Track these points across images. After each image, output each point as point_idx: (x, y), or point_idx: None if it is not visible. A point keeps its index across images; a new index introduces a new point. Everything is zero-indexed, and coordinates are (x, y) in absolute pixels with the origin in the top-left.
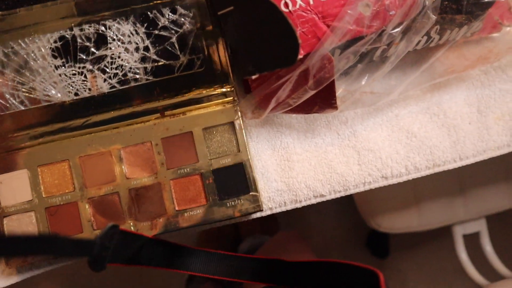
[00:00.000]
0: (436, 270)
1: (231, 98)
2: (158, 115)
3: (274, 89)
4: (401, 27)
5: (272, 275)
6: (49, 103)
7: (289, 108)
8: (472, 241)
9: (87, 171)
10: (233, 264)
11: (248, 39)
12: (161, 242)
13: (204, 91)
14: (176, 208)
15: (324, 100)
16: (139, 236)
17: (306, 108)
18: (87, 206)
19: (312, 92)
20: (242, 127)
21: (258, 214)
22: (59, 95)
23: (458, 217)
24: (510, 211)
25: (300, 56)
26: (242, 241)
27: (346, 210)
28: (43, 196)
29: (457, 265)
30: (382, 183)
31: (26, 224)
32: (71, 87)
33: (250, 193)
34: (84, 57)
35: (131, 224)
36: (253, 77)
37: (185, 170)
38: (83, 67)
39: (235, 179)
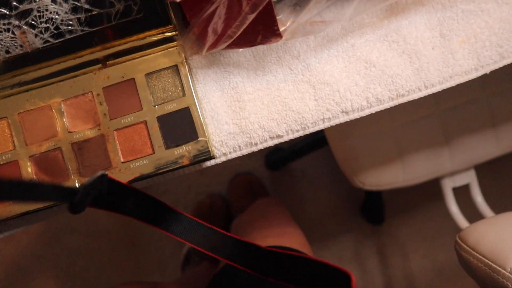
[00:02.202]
0: (433, 232)
1: (174, 42)
2: (100, 65)
3: (209, 16)
4: None
5: (246, 259)
6: None
7: (231, 41)
8: (463, 194)
9: (27, 127)
10: (212, 238)
11: None
12: (149, 197)
13: (145, 37)
14: (122, 160)
15: (266, 26)
16: (127, 186)
17: (249, 39)
18: (28, 165)
19: (251, 17)
20: (187, 70)
21: (213, 162)
22: None
23: (445, 169)
24: (500, 159)
25: None
26: (233, 219)
27: (339, 179)
28: None
29: (454, 226)
30: (343, 118)
31: None
32: (0, 45)
33: (198, 139)
34: (7, 12)
35: (76, 180)
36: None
37: (129, 119)
38: (9, 23)
39: (182, 125)
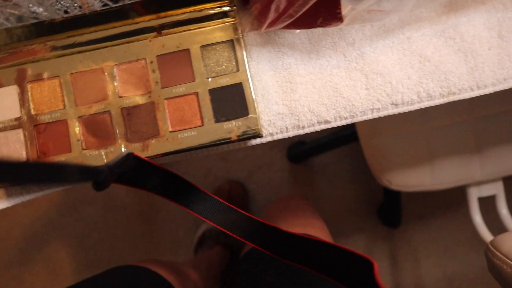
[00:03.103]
0: (448, 241)
1: (232, 16)
2: (155, 33)
3: None
4: None
5: (267, 242)
6: (37, 21)
7: (291, 21)
8: (486, 205)
9: (78, 88)
10: (232, 217)
11: None
12: (174, 175)
13: (202, 10)
14: (170, 129)
15: (328, 9)
16: (153, 165)
17: (309, 20)
18: (77, 125)
19: None
20: (243, 46)
21: (258, 141)
22: (46, 13)
23: (473, 177)
24: None
25: None
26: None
27: (359, 179)
28: (32, 113)
29: (469, 237)
30: (392, 110)
31: (13, 142)
32: (59, 5)
33: (249, 115)
34: None
35: (122, 144)
36: None
37: (181, 89)
38: None
39: (233, 100)
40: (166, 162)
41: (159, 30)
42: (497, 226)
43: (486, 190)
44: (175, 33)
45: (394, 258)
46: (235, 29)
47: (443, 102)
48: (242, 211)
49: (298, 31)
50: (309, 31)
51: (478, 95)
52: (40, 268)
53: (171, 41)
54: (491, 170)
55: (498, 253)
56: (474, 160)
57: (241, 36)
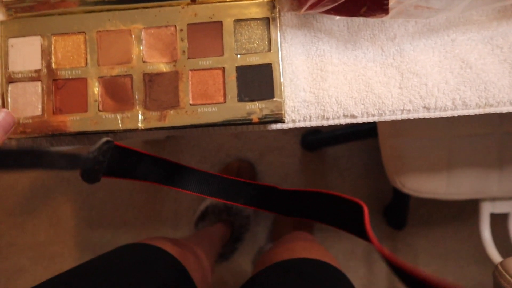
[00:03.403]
0: (450, 252)
1: None
2: (188, 1)
3: None
4: None
5: (265, 201)
6: None
7: (334, 6)
8: (496, 222)
9: (102, 47)
10: (229, 187)
11: None
12: (159, 159)
13: None
14: (191, 102)
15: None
16: (136, 151)
17: (353, 8)
18: (96, 85)
19: None
20: (278, 26)
21: (279, 126)
22: None
23: (489, 192)
24: None
25: None
26: None
27: (369, 176)
28: (53, 67)
29: (472, 250)
30: (423, 114)
31: (30, 94)
32: None
33: (274, 99)
34: None
35: (140, 111)
36: None
37: (207, 62)
38: None
39: (260, 80)
40: (177, 135)
41: None
42: (504, 245)
43: (500, 207)
44: (210, 3)
45: None
46: (273, 7)
47: (478, 113)
48: (231, 177)
49: (338, 17)
50: (349, 19)
51: None
52: (43, 220)
53: (204, 11)
54: (508, 188)
55: (507, 275)
56: (493, 175)
57: (278, 15)
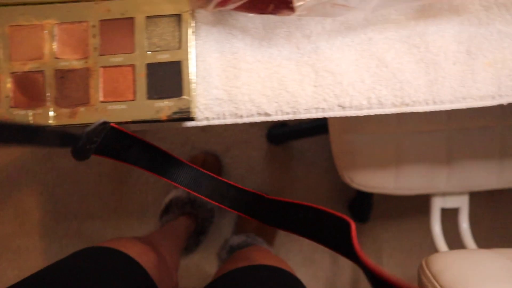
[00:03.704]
0: (413, 245)
1: None
2: None
3: None
4: None
5: (251, 208)
6: None
7: (242, 3)
8: (449, 216)
9: (15, 42)
10: (218, 187)
11: None
12: (152, 146)
13: None
14: (101, 99)
15: None
16: (130, 135)
17: (261, 5)
18: (8, 80)
19: None
20: (189, 23)
21: (193, 123)
22: None
23: (438, 188)
24: (501, 193)
25: None
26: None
27: (335, 169)
28: None
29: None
30: (338, 112)
31: None
32: None
33: (182, 96)
34: None
35: (51, 108)
36: None
37: (118, 59)
38: None
39: (169, 78)
40: (142, 130)
41: None
42: (456, 239)
43: (451, 202)
44: None
45: None
46: (186, 4)
47: (394, 112)
48: (225, 180)
49: (251, 15)
50: (265, 16)
51: (432, 110)
52: (7, 212)
53: (117, 7)
54: (458, 183)
55: (428, 272)
56: (442, 171)
57: (190, 12)
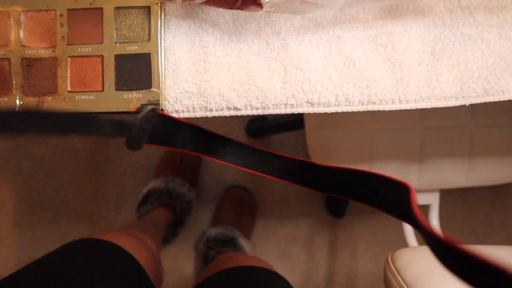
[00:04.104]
0: (388, 239)
1: None
2: None
3: None
4: None
5: (300, 176)
6: None
7: None
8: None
9: None
10: (264, 159)
11: None
12: (198, 128)
13: None
14: (69, 89)
15: None
16: (177, 120)
17: (228, 0)
18: None
19: None
20: (159, 15)
21: None
22: None
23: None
24: (475, 191)
25: None
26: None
27: None
28: None
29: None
30: (307, 108)
31: None
32: None
33: (151, 89)
34: None
35: (17, 96)
36: None
37: (86, 49)
38: None
39: (138, 70)
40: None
41: None
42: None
43: (422, 199)
44: None
45: (334, 246)
46: None
47: (361, 110)
48: (271, 151)
49: (221, 9)
50: (235, 11)
51: (398, 108)
52: None
53: None
54: (429, 180)
55: (392, 267)
56: (413, 168)
57: (159, 4)
